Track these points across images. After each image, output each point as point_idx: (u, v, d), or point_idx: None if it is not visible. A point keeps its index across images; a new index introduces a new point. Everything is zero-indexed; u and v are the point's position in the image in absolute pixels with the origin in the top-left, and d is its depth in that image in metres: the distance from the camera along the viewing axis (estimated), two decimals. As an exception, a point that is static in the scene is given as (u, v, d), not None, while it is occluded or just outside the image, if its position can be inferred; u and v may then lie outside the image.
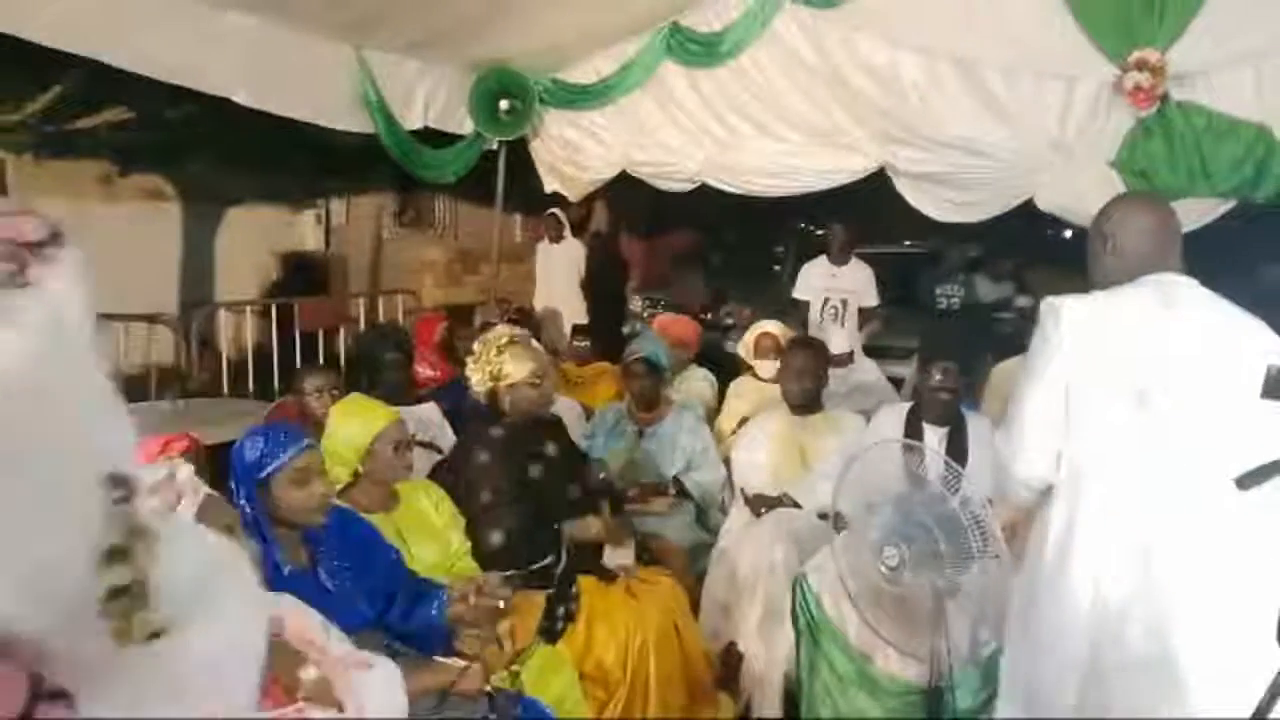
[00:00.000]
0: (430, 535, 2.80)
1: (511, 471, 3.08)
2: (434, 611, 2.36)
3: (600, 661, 2.73)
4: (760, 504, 3.64)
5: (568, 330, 7.26)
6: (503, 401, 3.26)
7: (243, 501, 2.16)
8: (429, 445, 3.80)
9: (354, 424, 2.72)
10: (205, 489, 1.66)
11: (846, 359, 5.86)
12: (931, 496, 2.38)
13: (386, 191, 9.57)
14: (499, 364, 3.23)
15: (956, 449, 3.17)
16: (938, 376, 3.24)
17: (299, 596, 2.09)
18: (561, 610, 2.74)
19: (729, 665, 3.27)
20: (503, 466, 3.07)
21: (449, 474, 3.26)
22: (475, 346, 3.40)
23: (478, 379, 3.30)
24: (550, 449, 3.28)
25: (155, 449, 2.07)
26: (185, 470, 1.63)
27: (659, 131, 6.07)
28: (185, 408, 5.09)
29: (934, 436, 3.23)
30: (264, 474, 2.20)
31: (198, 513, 1.58)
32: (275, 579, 2.09)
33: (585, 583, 2.93)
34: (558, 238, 8.39)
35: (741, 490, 3.82)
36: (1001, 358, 4.36)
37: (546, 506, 3.10)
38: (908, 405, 3.43)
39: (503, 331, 3.38)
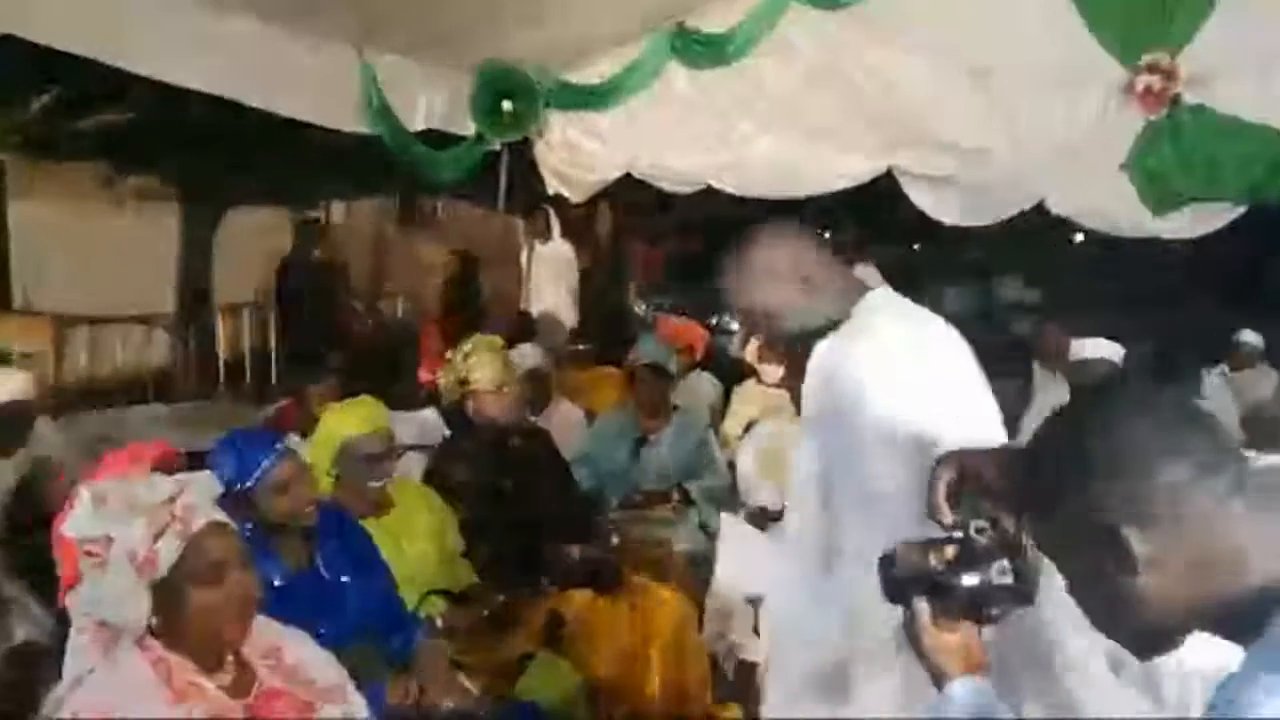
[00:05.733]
0: (424, 536, 2.80)
1: (484, 486, 3.06)
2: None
3: (602, 680, 2.70)
4: (763, 519, 3.58)
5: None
6: (469, 408, 3.24)
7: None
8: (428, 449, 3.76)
9: (328, 428, 2.69)
10: (214, 515, 1.56)
11: None
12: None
13: (387, 192, 9.54)
14: (466, 369, 3.23)
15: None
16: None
17: (299, 597, 2.07)
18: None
19: (740, 675, 3.23)
20: (475, 481, 3.07)
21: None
22: (449, 353, 3.42)
23: (445, 383, 3.30)
24: (525, 462, 3.25)
25: (124, 459, 1.83)
26: (190, 496, 1.52)
27: (664, 133, 6.02)
28: (179, 411, 5.06)
29: None
30: (245, 486, 2.17)
31: (191, 540, 1.48)
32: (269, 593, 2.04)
33: (583, 597, 2.90)
34: (545, 236, 7.33)
35: (743, 504, 3.78)
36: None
37: (522, 521, 3.06)
38: None
39: (474, 336, 3.37)
